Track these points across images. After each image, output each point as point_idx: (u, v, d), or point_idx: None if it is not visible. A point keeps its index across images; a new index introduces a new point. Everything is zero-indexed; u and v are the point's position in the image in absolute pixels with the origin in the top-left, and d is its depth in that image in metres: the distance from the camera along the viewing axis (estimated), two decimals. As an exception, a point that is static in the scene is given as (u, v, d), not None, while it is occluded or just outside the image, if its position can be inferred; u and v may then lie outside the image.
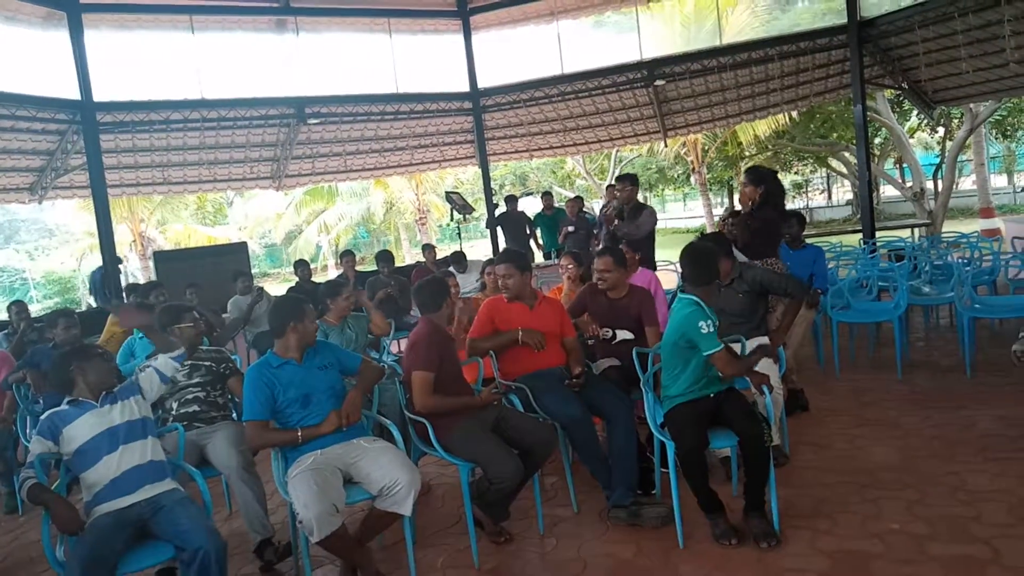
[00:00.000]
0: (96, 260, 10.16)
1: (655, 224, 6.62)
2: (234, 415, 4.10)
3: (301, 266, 8.30)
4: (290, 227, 26.34)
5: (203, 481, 3.18)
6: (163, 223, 23.97)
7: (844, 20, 10.15)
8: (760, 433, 3.30)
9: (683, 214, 34.48)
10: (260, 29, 10.97)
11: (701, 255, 3.63)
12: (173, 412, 3.95)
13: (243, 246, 11.03)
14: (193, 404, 3.97)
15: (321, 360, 3.43)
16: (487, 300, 4.37)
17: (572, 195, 15.88)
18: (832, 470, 3.99)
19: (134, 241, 22.33)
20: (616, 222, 6.56)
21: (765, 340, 4.45)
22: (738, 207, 5.15)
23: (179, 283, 7.84)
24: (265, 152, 11.56)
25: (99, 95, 9.26)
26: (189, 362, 3.99)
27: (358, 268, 8.86)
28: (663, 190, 31.02)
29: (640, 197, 7.24)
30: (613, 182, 7.18)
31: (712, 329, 3.37)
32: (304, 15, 10.73)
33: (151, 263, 14.87)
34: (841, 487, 3.76)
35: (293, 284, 8.21)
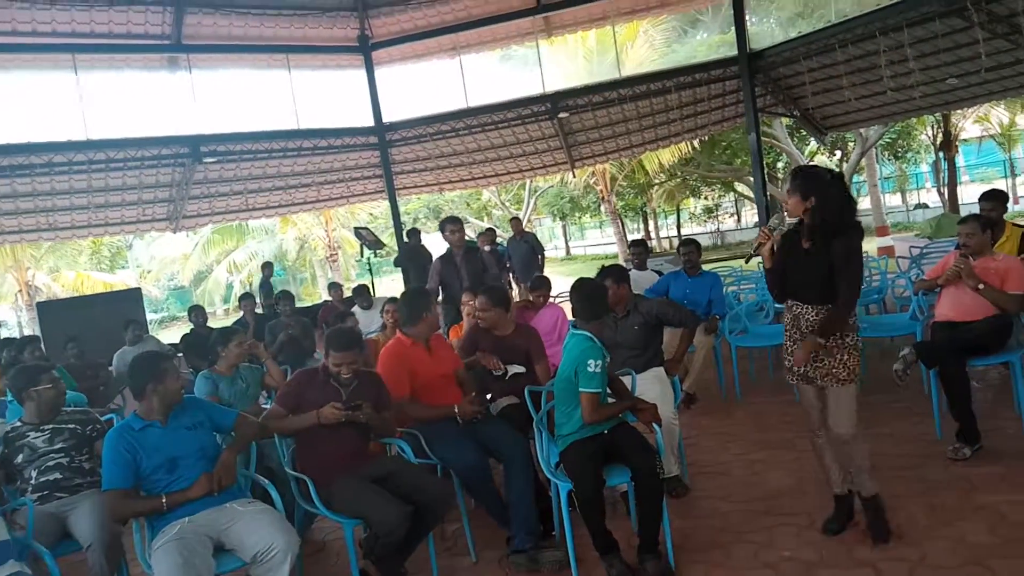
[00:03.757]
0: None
1: (502, 264, 6.52)
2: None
3: (195, 311, 7.99)
4: (199, 267, 25.29)
5: (53, 562, 2.90)
6: (55, 270, 22.65)
7: (736, 52, 10.53)
8: (653, 466, 3.28)
9: (601, 240, 35.08)
10: (151, 67, 10.56)
11: (591, 291, 3.62)
12: (32, 481, 3.61)
13: (136, 292, 10.48)
14: (55, 471, 3.63)
15: (189, 419, 3.21)
16: (388, 347, 4.08)
17: (487, 226, 15.91)
18: (729, 498, 3.99)
19: (20, 291, 21.03)
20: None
21: (660, 371, 4.47)
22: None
23: (64, 336, 7.39)
24: (160, 193, 11.05)
25: (-29, 138, 8.71)
26: (51, 426, 3.71)
27: (259, 311, 8.57)
28: (580, 218, 31.50)
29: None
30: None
31: (598, 370, 3.33)
32: (197, 52, 10.37)
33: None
34: (737, 516, 3.75)
35: (187, 331, 7.84)
